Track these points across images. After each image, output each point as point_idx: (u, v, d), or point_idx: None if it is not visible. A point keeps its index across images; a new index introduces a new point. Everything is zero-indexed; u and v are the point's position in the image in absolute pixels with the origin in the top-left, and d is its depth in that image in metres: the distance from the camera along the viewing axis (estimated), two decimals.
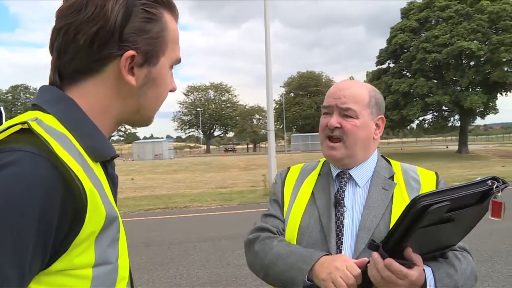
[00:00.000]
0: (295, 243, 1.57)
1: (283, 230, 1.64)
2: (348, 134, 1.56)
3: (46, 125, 0.82)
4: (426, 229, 1.20)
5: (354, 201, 1.59)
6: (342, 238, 1.53)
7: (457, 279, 1.39)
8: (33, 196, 0.72)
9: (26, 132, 0.78)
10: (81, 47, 0.87)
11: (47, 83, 0.94)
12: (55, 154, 0.77)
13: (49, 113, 0.86)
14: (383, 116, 1.66)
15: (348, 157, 1.59)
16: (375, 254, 1.28)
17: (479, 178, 1.25)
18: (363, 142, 1.60)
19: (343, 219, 1.55)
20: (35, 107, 0.89)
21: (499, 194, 1.22)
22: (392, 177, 1.63)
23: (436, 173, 1.66)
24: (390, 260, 1.24)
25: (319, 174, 1.70)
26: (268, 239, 1.59)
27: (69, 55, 0.89)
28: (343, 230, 1.54)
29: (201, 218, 11.11)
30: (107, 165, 0.95)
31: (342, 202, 1.58)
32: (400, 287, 1.26)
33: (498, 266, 5.94)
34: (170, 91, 1.03)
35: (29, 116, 0.84)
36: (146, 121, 1.03)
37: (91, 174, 0.83)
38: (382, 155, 1.71)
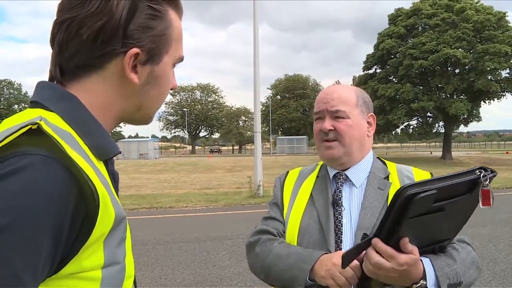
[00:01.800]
0: (295, 244, 1.61)
1: (284, 232, 1.67)
2: (342, 135, 1.61)
3: (52, 124, 0.78)
4: (417, 219, 1.20)
5: (351, 201, 1.62)
6: (342, 237, 1.57)
7: (457, 268, 1.39)
8: (48, 202, 0.70)
9: (34, 132, 0.74)
10: (84, 42, 0.84)
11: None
12: (68, 156, 0.74)
13: (52, 111, 0.83)
14: (373, 114, 1.71)
15: (346, 156, 1.63)
16: (369, 248, 1.27)
17: (468, 168, 1.26)
18: (358, 141, 1.64)
19: (342, 219, 1.59)
20: (35, 104, 0.85)
21: (487, 182, 1.22)
22: (387, 177, 1.66)
23: (431, 173, 1.67)
24: (376, 240, 1.24)
25: (317, 177, 1.73)
26: (269, 241, 1.63)
27: (71, 50, 0.85)
28: (342, 230, 1.58)
29: (186, 218, 11.07)
30: (108, 162, 0.92)
31: (340, 202, 1.61)
32: (390, 272, 1.25)
33: None
34: (171, 89, 1.00)
35: (33, 115, 0.80)
36: (146, 120, 1.00)
37: (100, 174, 0.81)
38: (378, 157, 1.76)
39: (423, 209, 1.19)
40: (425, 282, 1.32)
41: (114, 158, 0.96)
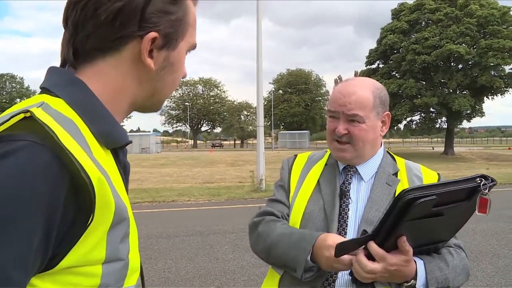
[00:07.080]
0: (298, 228, 1.62)
1: (288, 215, 1.68)
2: (356, 139, 1.59)
3: (53, 109, 0.76)
4: (415, 222, 1.25)
5: (359, 194, 1.63)
6: (346, 229, 1.58)
7: (447, 273, 1.46)
8: (35, 187, 0.67)
9: (30, 119, 0.72)
10: (102, 23, 0.82)
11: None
12: (59, 143, 0.71)
13: (58, 97, 0.80)
14: (388, 112, 1.68)
15: (357, 158, 1.64)
16: (360, 257, 1.35)
17: (469, 175, 1.30)
18: (371, 143, 1.64)
19: (348, 211, 1.60)
20: (43, 90, 0.83)
21: (487, 191, 1.26)
22: (396, 174, 1.66)
23: (438, 174, 1.70)
24: (370, 243, 1.33)
25: (326, 164, 1.73)
26: (272, 222, 1.64)
27: (88, 31, 0.83)
28: (348, 221, 1.59)
29: (188, 212, 11.09)
30: (119, 152, 0.89)
31: (348, 194, 1.62)
32: (382, 273, 1.34)
33: (483, 265, 6.03)
34: (182, 77, 0.98)
35: (35, 101, 0.78)
36: (158, 106, 0.98)
37: (99, 165, 0.76)
38: (387, 151, 1.75)
39: (422, 213, 1.24)
40: (415, 282, 1.40)
41: (126, 148, 0.94)
